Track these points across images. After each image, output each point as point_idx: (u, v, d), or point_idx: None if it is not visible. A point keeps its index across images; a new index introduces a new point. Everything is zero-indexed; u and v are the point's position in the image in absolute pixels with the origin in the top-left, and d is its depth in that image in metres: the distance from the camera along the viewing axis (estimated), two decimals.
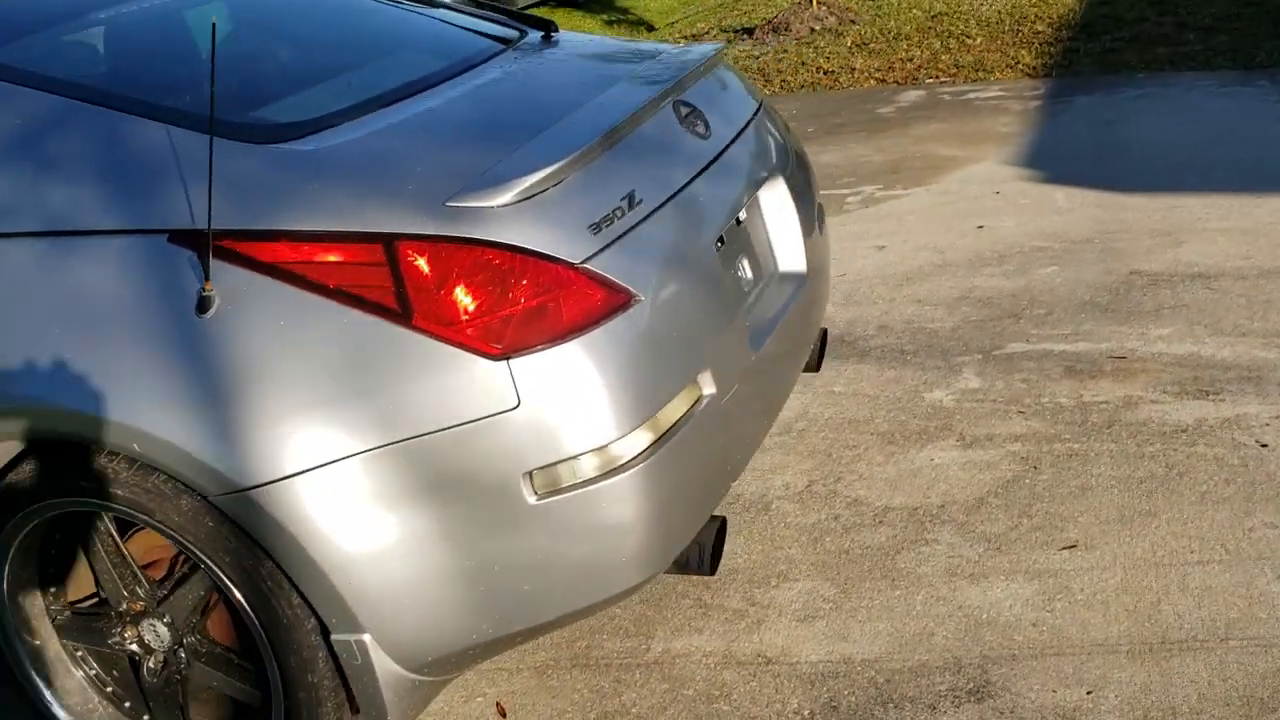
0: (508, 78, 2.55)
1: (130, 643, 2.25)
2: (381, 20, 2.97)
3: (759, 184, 2.64)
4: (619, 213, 2.13)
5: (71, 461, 2.06)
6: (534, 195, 2.03)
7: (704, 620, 2.61)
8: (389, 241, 1.96)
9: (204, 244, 1.96)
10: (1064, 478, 2.96)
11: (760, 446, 2.57)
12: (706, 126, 2.50)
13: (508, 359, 1.93)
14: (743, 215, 2.60)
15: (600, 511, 2.02)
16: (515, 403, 1.93)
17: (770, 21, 10.16)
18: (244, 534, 1.97)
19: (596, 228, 2.08)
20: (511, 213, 2.00)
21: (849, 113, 6.88)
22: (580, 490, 2.00)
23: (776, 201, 2.71)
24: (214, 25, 2.06)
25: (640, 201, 2.19)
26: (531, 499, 1.97)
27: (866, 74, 7.86)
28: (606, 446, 2.00)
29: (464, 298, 1.94)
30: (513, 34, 2.92)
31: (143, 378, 1.96)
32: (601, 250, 2.06)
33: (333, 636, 2.02)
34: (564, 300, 2.00)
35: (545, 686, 2.47)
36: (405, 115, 2.28)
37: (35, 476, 2.12)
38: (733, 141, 2.57)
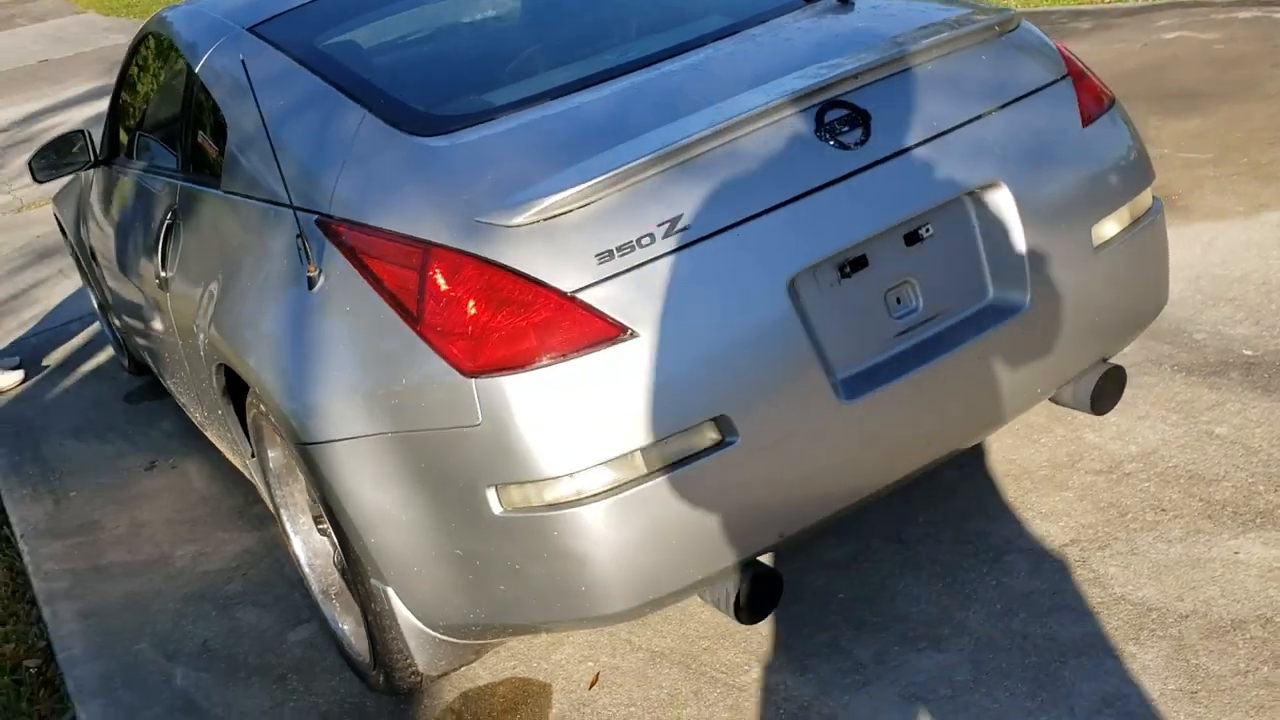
0: (708, 61, 2.43)
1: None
2: None
3: (960, 194, 2.25)
4: (646, 240, 2.04)
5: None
6: (554, 216, 2.04)
7: (820, 662, 2.44)
8: (426, 249, 2.12)
9: (316, 227, 2.28)
10: None
11: (877, 495, 2.28)
12: (864, 133, 2.19)
13: (475, 377, 2.02)
14: (928, 232, 2.26)
15: (558, 538, 2.05)
16: (478, 420, 2.02)
17: None
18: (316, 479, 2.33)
19: (608, 255, 2.03)
20: (524, 234, 2.04)
21: None
22: (540, 514, 2.04)
23: (997, 214, 2.29)
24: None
25: (684, 229, 2.06)
26: (498, 509, 2.07)
27: None
28: (562, 478, 2.01)
29: (459, 313, 2.06)
30: None
31: (268, 334, 2.38)
32: (602, 281, 2.01)
33: (371, 581, 2.33)
34: (544, 328, 2.01)
35: (643, 674, 2.54)
36: (551, 112, 2.34)
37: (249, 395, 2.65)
38: (913, 147, 2.23)
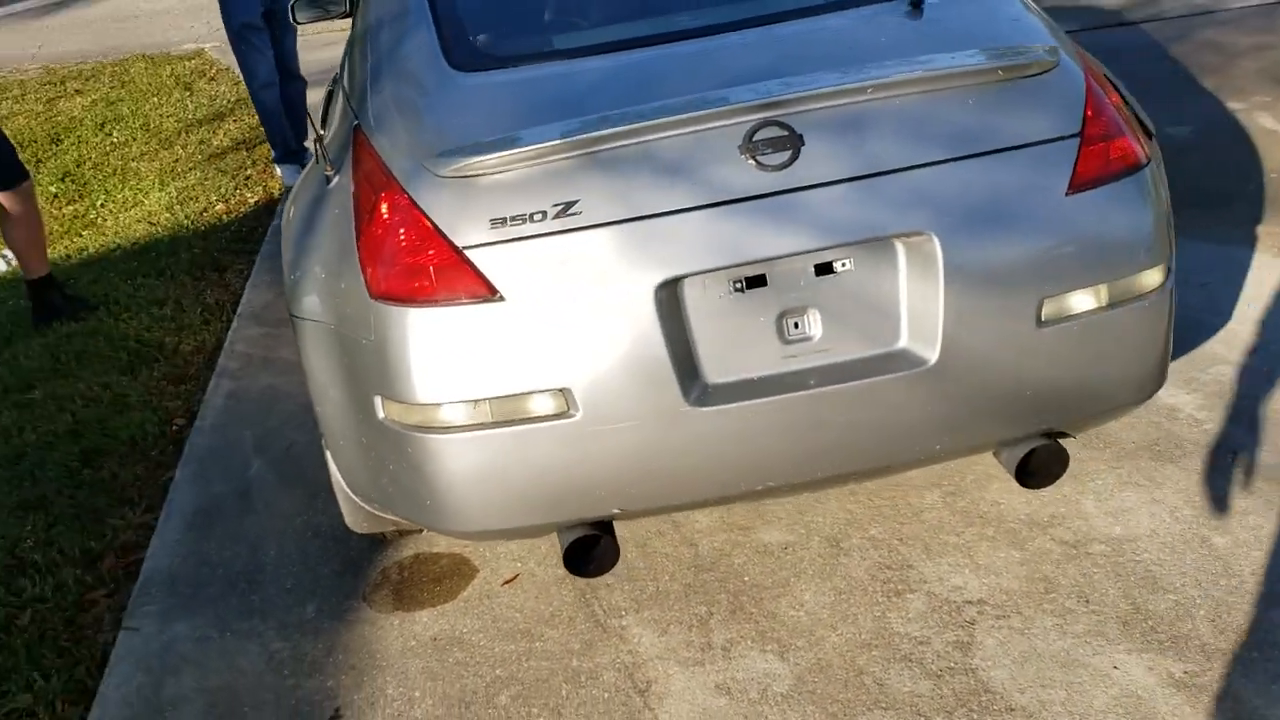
0: (720, 49, 2.47)
1: None
2: None
3: (881, 237, 2.23)
4: (538, 216, 2.22)
5: None
6: (470, 176, 2.26)
7: (681, 630, 2.61)
8: (389, 178, 2.41)
9: (352, 130, 2.61)
10: None
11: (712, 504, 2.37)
12: (792, 156, 2.21)
13: (376, 300, 2.31)
14: (844, 266, 2.28)
15: (412, 455, 2.35)
16: (371, 337, 2.33)
17: None
18: None
19: (501, 222, 2.23)
20: (444, 185, 2.29)
21: None
22: (405, 430, 2.35)
23: (925, 265, 2.25)
24: None
25: (577, 214, 2.21)
26: (381, 415, 2.39)
27: None
28: (423, 405, 2.29)
29: (383, 242, 2.35)
30: None
31: (297, 212, 2.78)
32: (490, 244, 2.23)
33: (321, 439, 2.73)
34: (435, 274, 2.27)
35: (547, 589, 2.81)
36: (551, 71, 2.51)
37: None
38: (840, 181, 2.22)
